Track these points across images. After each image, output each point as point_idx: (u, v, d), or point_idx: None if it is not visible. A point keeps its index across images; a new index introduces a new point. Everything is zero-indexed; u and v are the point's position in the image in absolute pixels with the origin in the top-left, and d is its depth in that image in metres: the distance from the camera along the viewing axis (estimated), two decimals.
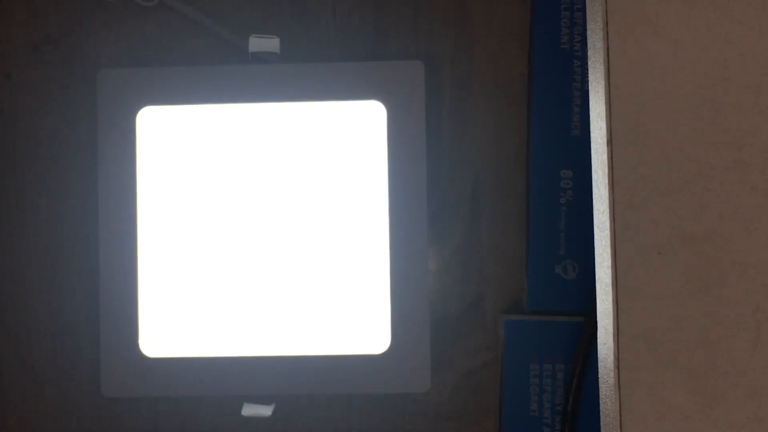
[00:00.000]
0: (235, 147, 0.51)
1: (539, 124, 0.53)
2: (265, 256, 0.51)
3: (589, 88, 0.37)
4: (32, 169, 0.55)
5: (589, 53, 0.37)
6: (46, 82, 0.55)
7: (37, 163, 0.54)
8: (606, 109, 0.35)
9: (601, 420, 0.36)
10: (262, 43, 0.52)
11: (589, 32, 0.37)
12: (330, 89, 0.51)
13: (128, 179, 0.51)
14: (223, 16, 0.55)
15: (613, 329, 0.34)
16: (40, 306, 0.54)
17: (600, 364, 0.36)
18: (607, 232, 0.34)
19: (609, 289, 0.34)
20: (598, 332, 0.36)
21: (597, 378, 0.37)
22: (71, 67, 0.55)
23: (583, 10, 0.53)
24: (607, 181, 0.34)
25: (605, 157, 0.35)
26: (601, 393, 0.36)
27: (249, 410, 0.52)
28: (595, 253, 0.36)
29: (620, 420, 0.33)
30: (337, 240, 0.51)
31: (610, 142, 0.35)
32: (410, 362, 0.50)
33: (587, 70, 0.49)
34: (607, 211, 0.34)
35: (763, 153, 0.34)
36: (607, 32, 0.35)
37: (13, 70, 0.55)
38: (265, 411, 0.52)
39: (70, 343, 0.54)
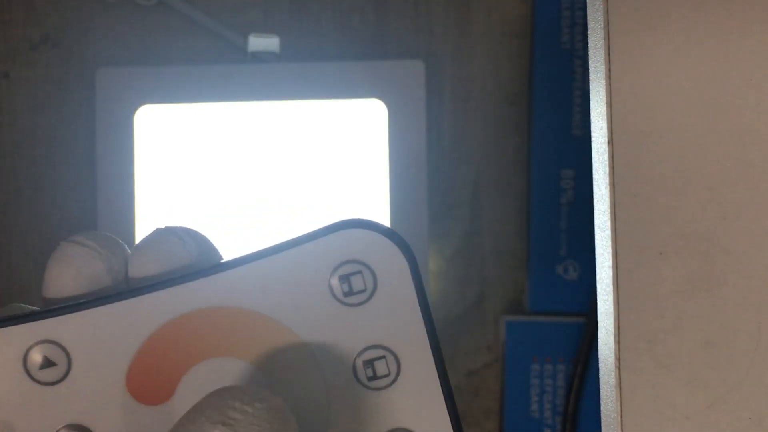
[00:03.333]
0: (235, 146, 0.51)
1: (540, 124, 0.53)
2: None
3: (590, 87, 0.37)
4: (30, 167, 0.54)
5: (590, 53, 0.37)
6: (44, 80, 0.55)
7: (35, 161, 0.54)
8: (606, 109, 0.35)
9: (602, 420, 0.36)
10: (261, 43, 0.52)
11: (589, 32, 0.37)
12: (330, 88, 0.51)
13: (127, 178, 0.51)
14: (223, 16, 0.55)
15: (614, 329, 0.34)
16: (39, 306, 0.54)
17: (601, 364, 0.36)
18: (608, 232, 0.34)
19: (610, 290, 0.34)
20: (599, 332, 0.36)
21: (598, 378, 0.37)
22: (70, 66, 0.55)
23: (584, 9, 0.53)
24: (607, 181, 0.34)
25: (606, 156, 0.34)
26: (601, 393, 0.36)
27: None
28: (596, 253, 0.36)
29: (621, 421, 0.33)
30: None
31: (610, 141, 0.35)
32: None
33: (588, 69, 0.49)
34: (608, 211, 0.34)
35: (765, 152, 0.34)
36: (608, 32, 0.35)
37: (11, 69, 0.55)
38: None
39: None
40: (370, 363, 0.21)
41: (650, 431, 0.34)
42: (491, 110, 0.54)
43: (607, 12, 0.35)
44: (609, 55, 0.35)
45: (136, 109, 0.51)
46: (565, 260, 0.53)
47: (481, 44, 0.54)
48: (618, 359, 0.34)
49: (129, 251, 0.21)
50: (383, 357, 0.21)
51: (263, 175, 0.51)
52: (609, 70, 0.35)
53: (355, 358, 0.21)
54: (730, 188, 0.34)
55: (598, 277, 0.36)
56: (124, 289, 0.21)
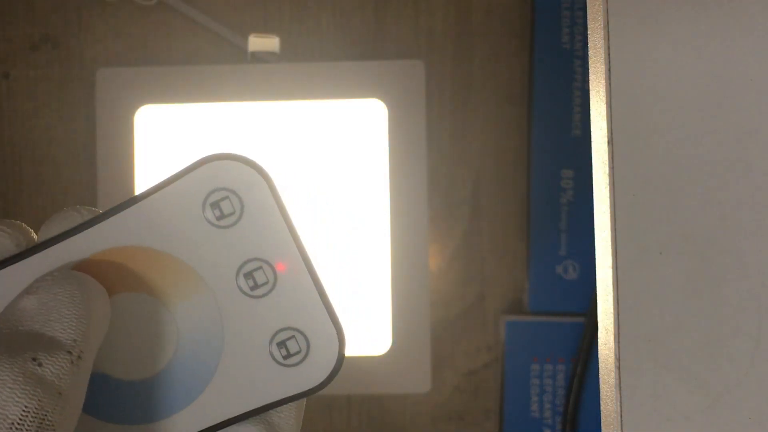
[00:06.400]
0: (235, 146, 0.51)
1: (540, 124, 0.53)
2: None
3: (590, 87, 0.37)
4: (30, 168, 0.54)
5: (590, 53, 0.37)
6: (44, 81, 0.55)
7: (36, 162, 0.54)
8: (606, 109, 0.35)
9: (602, 420, 0.36)
10: (261, 43, 0.52)
11: (589, 32, 0.37)
12: (330, 88, 0.51)
13: (127, 178, 0.51)
14: (223, 16, 0.55)
15: (614, 329, 0.34)
16: None
17: (600, 364, 0.36)
18: (608, 232, 0.34)
19: (610, 289, 0.34)
20: (599, 332, 0.36)
21: (598, 378, 0.37)
22: (70, 66, 0.55)
23: (584, 9, 0.53)
24: (607, 180, 0.34)
25: (605, 157, 0.34)
26: (601, 393, 0.36)
27: None
28: (596, 253, 0.36)
29: (621, 420, 0.33)
30: (337, 240, 0.51)
31: (610, 141, 0.35)
32: (411, 363, 0.50)
33: (588, 69, 0.49)
34: (608, 211, 0.34)
35: (765, 152, 0.34)
36: (608, 32, 0.35)
37: (11, 69, 0.55)
38: None
39: None
40: (250, 274, 0.24)
41: (650, 431, 0.34)
42: (491, 110, 0.54)
43: (607, 12, 0.35)
44: (609, 55, 0.35)
45: (136, 109, 0.51)
46: (565, 260, 0.53)
47: (481, 44, 0.54)
48: (618, 359, 0.34)
49: (35, 235, 0.24)
50: (260, 267, 0.24)
51: None
52: (609, 70, 0.35)
53: (237, 273, 0.24)
54: (730, 188, 0.34)
55: (598, 277, 0.36)
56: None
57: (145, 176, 0.51)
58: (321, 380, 0.24)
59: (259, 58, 0.52)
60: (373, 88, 0.51)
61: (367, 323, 0.51)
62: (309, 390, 0.24)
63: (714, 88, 0.34)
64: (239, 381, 0.23)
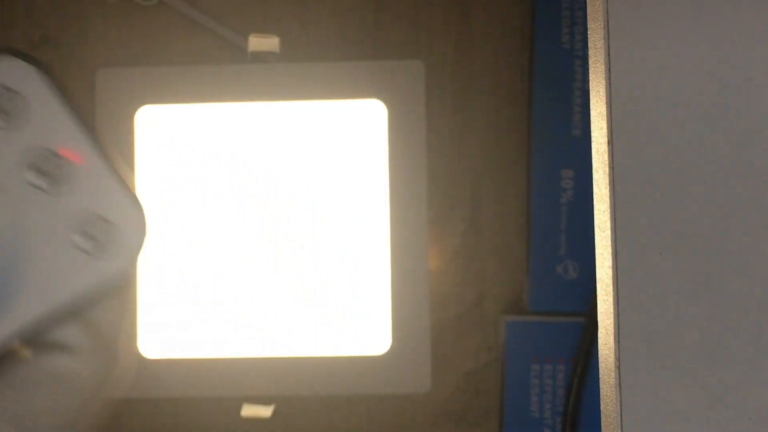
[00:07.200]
0: (235, 146, 0.51)
1: (540, 124, 0.53)
2: (264, 257, 0.51)
3: (590, 87, 0.37)
4: None
5: (590, 53, 0.36)
6: None
7: None
8: (606, 109, 0.35)
9: (602, 421, 0.36)
10: (261, 43, 0.52)
11: (589, 32, 0.37)
12: (330, 88, 0.51)
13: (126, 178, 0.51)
14: (223, 16, 0.55)
15: (614, 329, 0.34)
16: None
17: (600, 364, 0.36)
18: (608, 232, 0.34)
19: (610, 289, 0.34)
20: (599, 332, 0.36)
21: (598, 378, 0.37)
22: (69, 66, 0.55)
23: (584, 9, 0.53)
24: (607, 180, 0.34)
25: (605, 156, 0.34)
26: (601, 393, 0.36)
27: (249, 411, 0.52)
28: (596, 253, 0.36)
29: (621, 421, 0.33)
30: (337, 240, 0.51)
31: (610, 141, 0.35)
32: (410, 363, 0.50)
33: (588, 69, 0.49)
34: (608, 211, 0.34)
35: (765, 152, 0.34)
36: (608, 32, 0.35)
37: None
38: (265, 412, 0.52)
39: None
40: (39, 168, 0.23)
41: (650, 431, 0.33)
42: (491, 110, 0.54)
43: (607, 12, 0.35)
44: (609, 55, 0.35)
45: (136, 109, 0.51)
46: (565, 260, 0.53)
47: (481, 44, 0.54)
48: (618, 359, 0.34)
49: None
50: (48, 158, 0.23)
51: (263, 174, 0.51)
52: (609, 70, 0.35)
53: (25, 168, 0.23)
54: (730, 188, 0.34)
55: (598, 277, 0.36)
56: None
57: (145, 176, 0.51)
58: (130, 261, 0.24)
59: (259, 58, 0.52)
60: (372, 88, 0.51)
61: (367, 323, 0.51)
62: (119, 273, 0.24)
63: (714, 88, 0.34)
64: (47, 276, 0.23)
